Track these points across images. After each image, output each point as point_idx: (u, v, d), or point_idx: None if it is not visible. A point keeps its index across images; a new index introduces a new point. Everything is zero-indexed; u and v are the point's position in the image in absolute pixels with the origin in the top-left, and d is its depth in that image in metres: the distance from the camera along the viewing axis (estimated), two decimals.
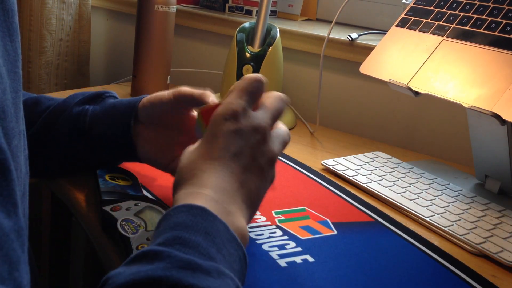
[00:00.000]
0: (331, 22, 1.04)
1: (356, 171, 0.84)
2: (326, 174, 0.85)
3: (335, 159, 0.88)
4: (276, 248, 0.60)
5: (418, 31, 0.84)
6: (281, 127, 0.56)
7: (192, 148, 0.52)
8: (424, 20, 0.84)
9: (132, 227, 0.58)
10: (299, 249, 0.61)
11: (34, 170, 0.70)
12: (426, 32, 0.83)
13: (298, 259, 0.58)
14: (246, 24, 1.07)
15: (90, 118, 0.68)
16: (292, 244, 0.62)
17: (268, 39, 1.03)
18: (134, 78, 1.12)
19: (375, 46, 0.89)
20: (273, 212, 0.69)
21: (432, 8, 0.85)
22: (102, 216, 0.61)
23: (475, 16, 0.78)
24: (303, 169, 0.85)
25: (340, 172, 0.84)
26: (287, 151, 0.91)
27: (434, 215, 0.72)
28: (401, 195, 0.77)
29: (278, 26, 1.07)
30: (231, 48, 1.04)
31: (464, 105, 0.72)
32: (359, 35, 1.08)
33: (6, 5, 0.39)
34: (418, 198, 0.76)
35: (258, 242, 0.61)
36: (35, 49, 1.28)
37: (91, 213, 0.66)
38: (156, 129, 0.68)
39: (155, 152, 0.69)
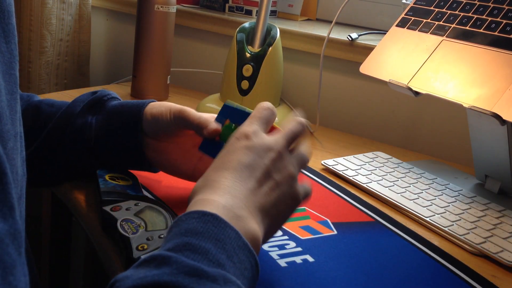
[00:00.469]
0: (331, 22, 1.04)
1: (356, 171, 0.84)
2: (326, 174, 0.85)
3: (335, 159, 0.88)
4: (276, 248, 0.60)
5: (418, 31, 0.84)
6: (301, 148, 0.56)
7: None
8: (424, 20, 0.84)
9: (132, 227, 0.58)
10: (299, 249, 0.61)
11: (41, 181, 0.71)
12: (426, 32, 0.83)
13: (298, 259, 0.58)
14: (246, 24, 1.07)
15: (96, 131, 0.67)
16: (292, 244, 0.62)
17: (268, 39, 1.03)
18: (134, 78, 1.12)
19: (375, 46, 0.89)
20: None
21: (432, 8, 0.85)
22: (102, 216, 0.61)
23: (475, 16, 0.78)
24: None
25: (340, 172, 0.84)
26: None
27: (434, 215, 0.72)
28: (401, 195, 0.77)
29: (278, 26, 1.07)
30: (231, 48, 1.04)
31: (464, 105, 0.72)
32: (359, 35, 1.08)
33: (2, 6, 0.39)
34: (418, 198, 0.76)
35: None
36: (35, 49, 1.28)
37: (91, 213, 0.66)
38: (166, 140, 0.68)
39: (171, 163, 0.69)
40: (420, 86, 0.78)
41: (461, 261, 0.63)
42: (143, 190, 0.68)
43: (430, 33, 0.82)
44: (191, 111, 0.64)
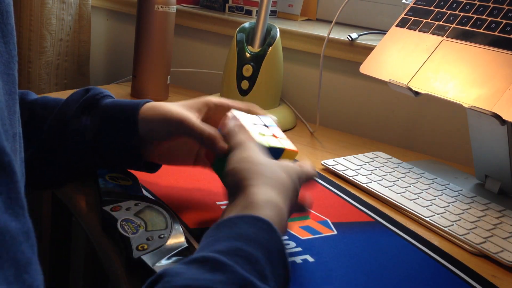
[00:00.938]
0: (331, 22, 1.04)
1: (356, 171, 0.84)
2: (326, 174, 0.85)
3: (335, 159, 0.88)
4: None
5: (418, 31, 0.84)
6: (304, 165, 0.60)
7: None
8: (424, 20, 0.84)
9: (132, 227, 0.58)
10: (299, 249, 0.61)
11: (40, 184, 0.70)
12: (426, 32, 0.83)
13: (298, 259, 0.58)
14: (246, 24, 1.07)
15: (93, 134, 0.66)
16: (292, 244, 0.62)
17: (268, 39, 1.03)
18: (134, 78, 1.12)
19: (375, 46, 0.89)
20: None
21: (432, 8, 0.85)
22: (102, 216, 0.61)
23: (475, 16, 0.78)
24: None
25: (340, 172, 0.84)
26: None
27: (434, 215, 0.72)
28: (401, 195, 0.77)
29: (278, 26, 1.07)
30: (231, 48, 1.04)
31: (464, 105, 0.72)
32: (359, 35, 1.08)
33: (1, 7, 0.39)
34: (418, 198, 0.76)
35: None
36: (35, 49, 1.28)
37: (91, 213, 0.66)
38: (163, 142, 0.67)
39: (171, 159, 0.69)
40: (420, 86, 0.78)
41: (461, 261, 0.63)
42: (143, 190, 0.68)
43: (430, 33, 0.82)
44: (191, 121, 0.62)
